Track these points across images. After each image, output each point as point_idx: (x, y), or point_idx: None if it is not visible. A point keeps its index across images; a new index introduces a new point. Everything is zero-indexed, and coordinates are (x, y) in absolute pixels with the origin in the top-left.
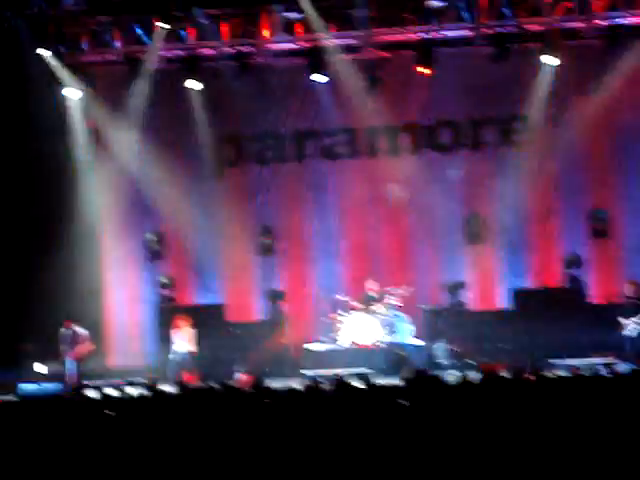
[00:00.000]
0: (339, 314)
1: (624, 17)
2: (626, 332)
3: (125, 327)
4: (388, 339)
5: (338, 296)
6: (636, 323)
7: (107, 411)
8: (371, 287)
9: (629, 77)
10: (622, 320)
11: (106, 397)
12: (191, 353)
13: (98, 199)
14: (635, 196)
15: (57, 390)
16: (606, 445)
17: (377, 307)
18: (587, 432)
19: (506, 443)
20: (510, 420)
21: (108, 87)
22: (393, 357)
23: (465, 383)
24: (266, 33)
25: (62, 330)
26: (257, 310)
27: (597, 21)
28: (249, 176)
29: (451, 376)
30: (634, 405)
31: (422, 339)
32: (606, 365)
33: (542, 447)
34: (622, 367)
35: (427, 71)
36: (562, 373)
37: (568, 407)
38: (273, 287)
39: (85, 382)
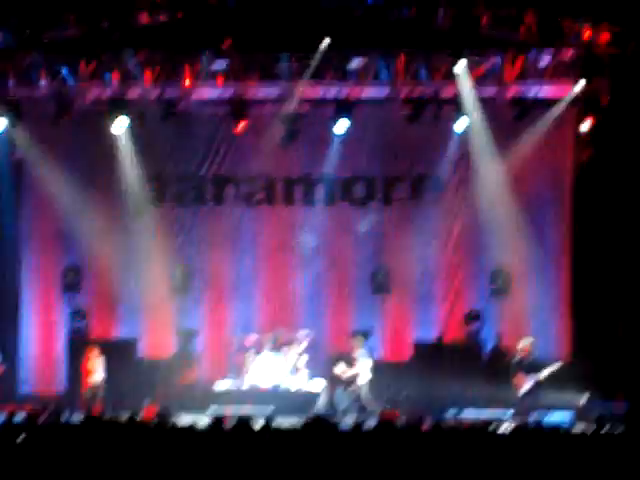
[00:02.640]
0: (249, 354)
1: (534, 87)
2: (522, 390)
3: (39, 356)
4: (290, 382)
5: (249, 337)
6: (533, 381)
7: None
8: (280, 330)
9: (535, 146)
10: (521, 377)
11: (11, 423)
12: (100, 383)
13: (20, 229)
14: (536, 258)
15: None
16: None
17: (284, 350)
18: None
19: None
20: (400, 468)
21: (34, 123)
22: (296, 399)
23: (360, 429)
24: (189, 82)
25: None
26: (170, 347)
27: (508, 89)
28: (170, 216)
29: (347, 420)
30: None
31: (326, 384)
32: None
33: None
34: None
35: (343, 126)
36: (455, 424)
37: (455, 458)
38: (187, 325)
39: None
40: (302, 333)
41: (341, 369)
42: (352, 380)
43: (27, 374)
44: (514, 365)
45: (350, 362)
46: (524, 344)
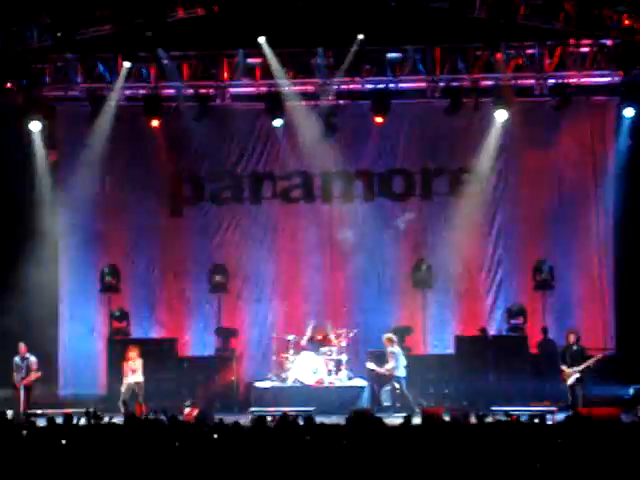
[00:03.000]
0: (288, 353)
1: (573, 77)
2: (569, 381)
3: (77, 357)
4: (332, 379)
5: (288, 336)
6: (579, 372)
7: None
8: (319, 328)
9: (574, 134)
10: (565, 369)
11: (54, 425)
12: (141, 384)
13: (56, 231)
14: (579, 250)
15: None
16: None
17: (324, 348)
18: (523, 477)
19: None
20: (448, 463)
21: (70, 122)
22: (338, 397)
23: (407, 426)
24: (226, 76)
25: (16, 358)
26: (208, 346)
27: (547, 79)
28: (206, 215)
29: (394, 418)
30: (567, 451)
31: (369, 381)
32: (544, 412)
33: None
34: (559, 415)
35: (381, 120)
36: (500, 418)
37: (505, 451)
38: (224, 324)
39: (34, 410)
40: (341, 331)
41: (372, 366)
42: (387, 376)
43: (67, 376)
44: (561, 357)
45: (383, 359)
46: (570, 332)
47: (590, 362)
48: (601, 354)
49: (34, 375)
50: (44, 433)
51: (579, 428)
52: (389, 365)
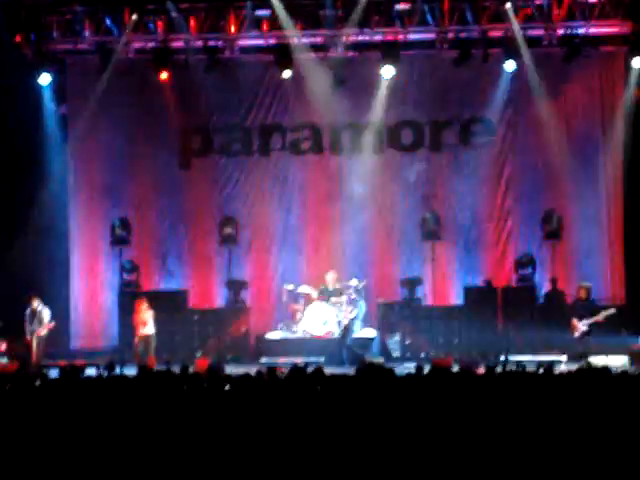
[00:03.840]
0: (298, 304)
1: (582, 27)
2: (577, 334)
3: (89, 310)
4: (343, 330)
5: (298, 287)
6: (587, 325)
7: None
8: (330, 280)
9: (585, 84)
10: (575, 322)
11: (66, 376)
12: (151, 336)
13: (66, 184)
14: (588, 200)
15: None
16: (551, 440)
17: (335, 299)
18: (532, 427)
19: (452, 436)
20: (457, 413)
21: (79, 75)
22: (348, 349)
23: (416, 376)
24: (234, 29)
25: (28, 309)
26: (219, 298)
27: (556, 29)
28: (215, 167)
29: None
30: (579, 402)
31: (377, 331)
32: (554, 362)
33: (489, 441)
34: (569, 365)
35: (391, 72)
36: (510, 368)
37: (515, 401)
38: (235, 276)
39: (47, 361)
40: (352, 282)
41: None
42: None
43: (78, 328)
44: (570, 308)
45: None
46: (581, 287)
47: (600, 317)
48: (611, 310)
49: (47, 326)
50: (57, 384)
51: (589, 378)
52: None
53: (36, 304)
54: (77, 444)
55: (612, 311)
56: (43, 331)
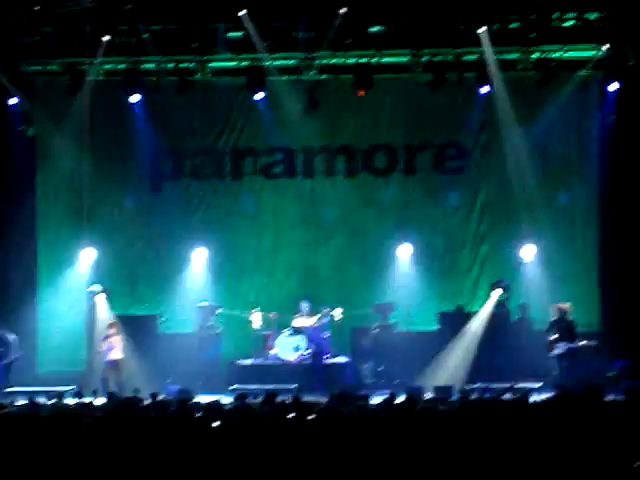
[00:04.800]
0: (270, 330)
1: (557, 51)
2: (552, 353)
3: (57, 334)
4: (315, 357)
5: (271, 313)
6: (564, 349)
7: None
8: (303, 306)
9: (560, 109)
10: (551, 341)
11: (34, 404)
12: (120, 361)
13: (36, 206)
14: (562, 226)
15: None
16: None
17: (307, 324)
18: (502, 455)
19: (424, 462)
20: (430, 440)
21: (49, 97)
22: (321, 375)
23: (390, 403)
24: (206, 51)
25: None
26: (191, 323)
27: (531, 53)
28: (186, 191)
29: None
30: (554, 431)
31: (351, 358)
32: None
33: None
34: (542, 393)
35: (363, 93)
36: (484, 396)
37: (490, 430)
38: (208, 301)
39: (13, 388)
40: (325, 308)
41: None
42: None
43: (46, 354)
44: (550, 326)
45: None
46: (560, 307)
47: (578, 344)
48: (592, 342)
49: (13, 355)
50: (25, 413)
51: (563, 407)
52: None
53: (2, 331)
54: (46, 473)
55: (593, 343)
56: (11, 358)
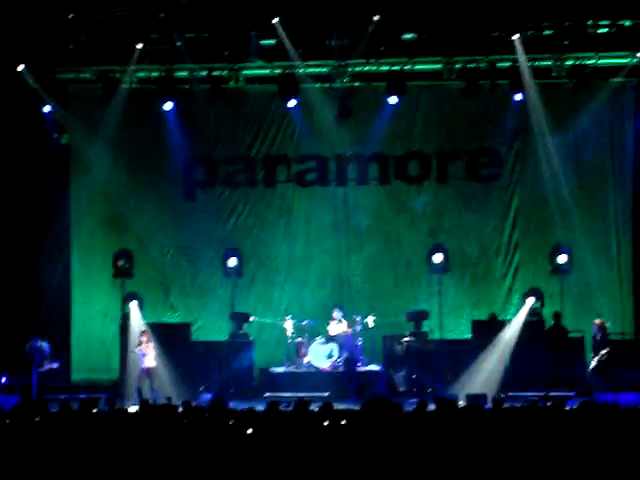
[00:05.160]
0: (303, 338)
1: (591, 58)
2: (589, 369)
3: (91, 342)
4: (347, 364)
5: (303, 321)
6: (596, 361)
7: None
8: (336, 313)
9: (594, 116)
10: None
11: (67, 412)
12: (154, 368)
13: (70, 213)
14: (597, 234)
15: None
16: (559, 476)
17: (340, 332)
18: (539, 462)
19: (459, 472)
20: (464, 449)
21: (82, 105)
22: (354, 383)
23: (422, 411)
24: (240, 58)
25: (28, 344)
26: (224, 331)
27: (565, 61)
28: (219, 199)
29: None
30: (582, 437)
31: (383, 366)
32: (560, 398)
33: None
34: (574, 401)
35: (395, 101)
36: (517, 404)
37: (523, 438)
38: (239, 309)
39: (48, 396)
40: (358, 317)
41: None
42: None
43: (79, 361)
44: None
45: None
46: (594, 323)
47: (599, 357)
48: (605, 350)
49: (48, 365)
50: (57, 420)
51: (594, 415)
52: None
53: (37, 339)
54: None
55: (606, 350)
56: (45, 367)
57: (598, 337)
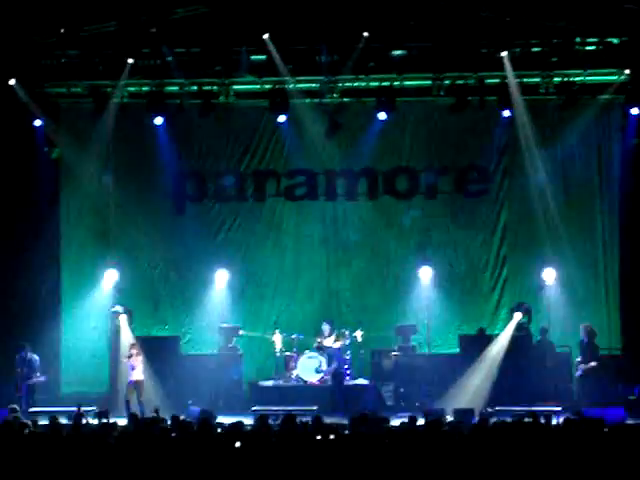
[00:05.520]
0: (291, 352)
1: (579, 75)
2: (576, 375)
3: (80, 355)
4: (334, 378)
5: (292, 335)
6: (582, 370)
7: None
8: (324, 327)
9: (582, 133)
10: (577, 362)
11: (56, 425)
12: (142, 381)
13: (60, 228)
14: (584, 249)
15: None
16: None
17: (329, 346)
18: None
19: None
20: (452, 464)
21: (73, 119)
22: (341, 397)
23: (410, 426)
24: (230, 73)
25: (17, 356)
26: (212, 344)
27: (553, 77)
28: (209, 213)
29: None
30: (568, 452)
31: (372, 380)
32: (547, 413)
33: None
34: (560, 416)
35: (384, 117)
36: (505, 419)
37: (509, 453)
38: (228, 322)
39: (36, 409)
40: (346, 331)
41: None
42: None
43: (69, 374)
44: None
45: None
46: (581, 331)
47: (585, 368)
48: (591, 364)
49: (37, 378)
50: (46, 433)
51: (580, 430)
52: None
53: (27, 351)
54: None
55: (592, 365)
56: (34, 380)
57: (585, 341)
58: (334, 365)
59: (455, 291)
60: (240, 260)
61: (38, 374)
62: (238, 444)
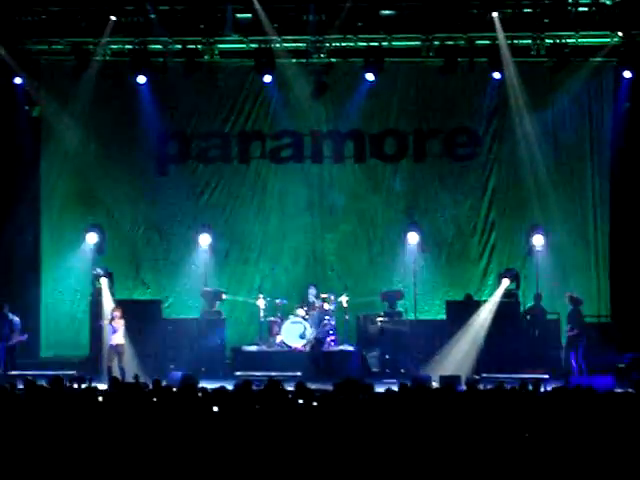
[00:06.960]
0: (275, 316)
1: (571, 37)
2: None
3: (60, 318)
4: (315, 344)
5: (276, 299)
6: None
7: None
8: (309, 292)
9: (573, 96)
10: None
11: (33, 388)
12: (123, 345)
13: (40, 187)
14: (574, 215)
15: None
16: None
17: (313, 312)
18: (507, 444)
19: (428, 452)
20: (434, 430)
21: (54, 77)
22: (326, 362)
23: (395, 392)
24: (215, 32)
25: None
26: (195, 309)
27: (544, 39)
28: (192, 174)
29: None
30: (555, 420)
31: (357, 346)
32: (534, 381)
33: (466, 457)
34: (548, 384)
35: (372, 78)
36: (490, 386)
37: (496, 420)
38: (211, 286)
39: (15, 372)
40: (332, 295)
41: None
42: None
43: (48, 337)
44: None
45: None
46: (565, 298)
47: (570, 333)
48: (574, 331)
49: (18, 338)
50: (25, 397)
51: (568, 398)
52: None
53: (7, 312)
54: (46, 456)
55: (575, 332)
56: (14, 341)
57: (569, 309)
58: (317, 331)
59: (442, 256)
60: (224, 223)
61: (19, 334)
62: (219, 409)
